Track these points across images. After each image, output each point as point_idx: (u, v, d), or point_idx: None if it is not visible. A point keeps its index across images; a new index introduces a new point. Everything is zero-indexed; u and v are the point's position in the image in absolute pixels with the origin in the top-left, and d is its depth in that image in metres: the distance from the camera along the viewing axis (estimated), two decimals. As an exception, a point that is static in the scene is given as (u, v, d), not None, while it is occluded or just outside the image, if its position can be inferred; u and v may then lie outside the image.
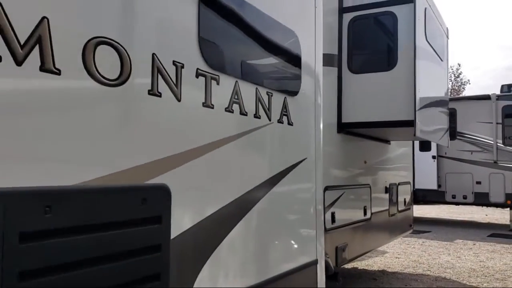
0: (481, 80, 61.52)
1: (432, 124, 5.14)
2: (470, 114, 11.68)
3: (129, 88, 1.44)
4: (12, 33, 1.12)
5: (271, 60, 2.31)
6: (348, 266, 6.54)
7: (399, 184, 6.51)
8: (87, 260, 1.25)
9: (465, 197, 11.95)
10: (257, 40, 2.18)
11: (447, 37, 5.95)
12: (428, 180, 12.32)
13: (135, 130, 1.48)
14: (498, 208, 13.44)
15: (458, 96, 27.04)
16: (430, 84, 4.91)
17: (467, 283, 6.37)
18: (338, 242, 4.44)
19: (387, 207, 6.03)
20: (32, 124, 1.17)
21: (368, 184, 5.37)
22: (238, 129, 1.97)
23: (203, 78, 1.77)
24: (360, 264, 7.47)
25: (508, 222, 12.02)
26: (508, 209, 11.81)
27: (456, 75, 34.92)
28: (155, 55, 1.55)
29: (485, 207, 13.05)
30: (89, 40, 1.32)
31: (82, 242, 1.25)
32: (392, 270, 7.18)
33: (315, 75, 2.73)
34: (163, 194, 1.55)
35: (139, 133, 1.49)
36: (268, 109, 2.19)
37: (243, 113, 2.00)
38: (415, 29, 4.32)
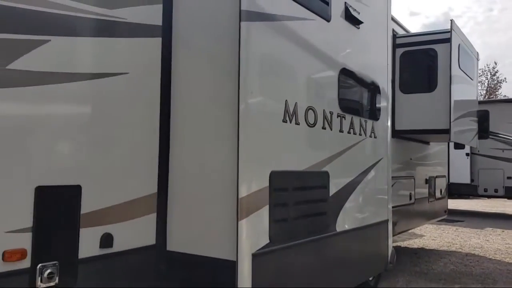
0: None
1: (463, 130, 6.71)
2: (502, 115, 12.97)
3: (318, 128, 3.20)
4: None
5: (367, 102, 4.03)
6: (393, 244, 8.17)
7: (436, 177, 8.10)
8: (306, 211, 3.03)
9: (496, 191, 13.28)
10: (360, 92, 3.91)
11: (477, 59, 7.48)
12: (462, 175, 13.70)
13: (320, 144, 3.25)
14: (528, 202, 14.64)
15: (491, 99, 27.85)
16: (462, 100, 6.48)
17: (492, 258, 7.89)
18: (392, 219, 6.12)
19: (427, 195, 7.63)
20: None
21: (413, 176, 7.00)
22: (354, 141, 3.71)
23: (339, 117, 3.52)
24: (402, 243, 9.08)
25: (536, 214, 13.26)
26: (537, 202, 13.08)
27: (492, 74, 35.42)
28: (325, 109, 3.30)
29: (516, 200, 14.31)
30: (308, 107, 3.08)
31: (304, 200, 3.02)
32: (429, 248, 8.76)
33: (387, 105, 4.43)
34: (327, 175, 3.31)
35: (320, 145, 3.26)
36: (365, 130, 3.93)
37: (355, 133, 3.74)
38: (451, 61, 5.92)
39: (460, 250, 8.60)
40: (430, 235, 10.19)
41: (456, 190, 13.98)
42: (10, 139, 2.12)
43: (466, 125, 6.86)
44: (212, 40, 2.74)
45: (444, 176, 8.68)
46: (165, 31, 2.87)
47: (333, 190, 3.39)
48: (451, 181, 13.07)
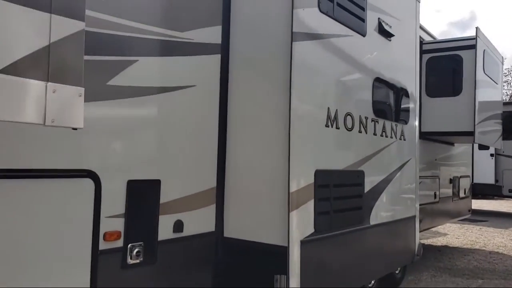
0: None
1: (487, 131, 7.00)
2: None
3: (355, 131, 3.62)
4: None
5: (397, 108, 4.42)
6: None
7: (460, 177, 8.39)
8: (344, 205, 3.46)
9: (521, 192, 13.38)
10: (392, 98, 4.31)
11: (502, 63, 7.74)
12: (486, 176, 13.83)
13: (356, 146, 3.67)
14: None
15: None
16: (486, 104, 6.78)
17: (516, 256, 8.14)
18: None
19: (451, 194, 7.94)
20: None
21: (438, 176, 7.33)
22: (385, 143, 4.12)
23: (373, 122, 3.93)
24: (426, 241, 9.38)
25: (561, 215, 13.31)
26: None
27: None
28: (361, 115, 3.72)
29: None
30: (346, 113, 3.51)
31: (343, 196, 3.45)
32: (453, 246, 9.06)
33: (415, 110, 4.81)
34: (362, 174, 3.73)
35: (357, 147, 3.68)
36: (395, 133, 4.32)
37: (386, 135, 4.14)
38: (476, 67, 6.23)
39: (483, 248, 8.86)
40: (454, 234, 10.44)
41: (480, 191, 14.12)
42: (109, 140, 2.61)
43: (490, 127, 7.15)
44: (266, 57, 3.19)
45: (468, 176, 8.95)
46: (224, 49, 3.34)
47: (367, 187, 3.81)
48: (475, 181, 13.22)
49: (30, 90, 1.60)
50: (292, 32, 2.98)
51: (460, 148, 8.56)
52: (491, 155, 13.70)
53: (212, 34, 3.25)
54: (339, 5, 3.42)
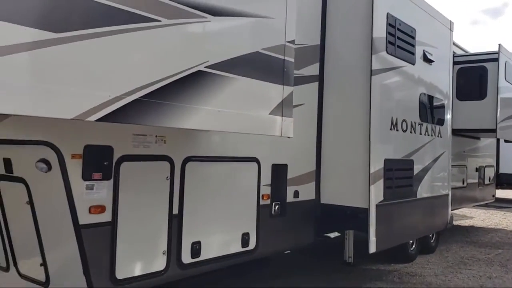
0: None
1: (508, 128, 8.57)
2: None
3: (408, 132, 5.33)
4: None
5: (436, 113, 6.10)
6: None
7: (485, 166, 9.97)
8: (401, 183, 5.20)
9: (545, 181, 14.74)
10: (432, 107, 5.99)
11: (523, 70, 9.27)
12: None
13: (408, 142, 5.38)
14: None
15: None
16: (508, 106, 8.35)
17: (534, 234, 9.70)
18: (448, 197, 8.12)
19: (477, 181, 9.54)
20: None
21: (465, 165, 8.95)
22: (427, 140, 5.84)
23: (419, 125, 5.63)
24: (455, 222, 11.00)
25: None
26: None
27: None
28: (411, 121, 5.42)
29: None
30: (402, 120, 5.23)
31: (400, 177, 5.18)
32: (478, 226, 10.67)
33: (449, 114, 6.47)
34: (412, 162, 5.45)
35: (409, 143, 5.39)
36: (434, 132, 6.01)
37: (428, 134, 5.84)
38: (498, 76, 7.81)
39: (505, 228, 10.44)
40: (479, 217, 12.02)
41: (506, 180, 15.53)
42: (261, 139, 4.40)
43: (511, 124, 8.74)
44: (352, 84, 4.92)
45: (492, 166, 10.53)
46: (320, 78, 5.08)
47: (415, 171, 5.52)
48: (501, 171, 14.64)
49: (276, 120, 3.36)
50: (371, 70, 4.70)
51: (485, 142, 10.13)
52: (516, 147, 15.08)
53: (313, 69, 4.99)
54: (399, 47, 5.12)
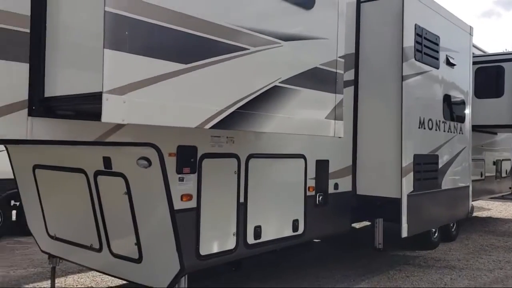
0: None
1: (525, 124, 9.17)
2: None
3: (433, 130, 6.01)
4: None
5: (457, 112, 6.75)
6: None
7: (502, 160, 10.59)
8: (428, 175, 5.89)
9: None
10: (454, 106, 6.65)
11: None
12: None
13: (434, 139, 6.06)
14: None
15: None
16: (524, 102, 8.96)
17: (549, 224, 10.30)
18: (468, 188, 8.77)
19: (494, 174, 10.17)
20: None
21: (483, 159, 9.58)
22: (450, 136, 6.52)
23: (443, 123, 6.30)
24: (474, 214, 11.61)
25: None
26: None
27: None
28: (436, 119, 6.09)
29: None
30: (429, 119, 5.91)
31: (427, 170, 5.87)
32: (496, 217, 11.29)
33: (469, 112, 7.12)
34: (437, 156, 6.13)
35: (434, 140, 6.06)
36: (456, 129, 6.68)
37: (451, 131, 6.51)
38: (515, 75, 8.43)
39: (521, 219, 11.04)
40: (497, 209, 12.62)
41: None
42: (307, 138, 5.11)
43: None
44: (385, 89, 5.61)
45: (509, 160, 11.15)
46: (355, 82, 5.76)
47: (440, 165, 6.20)
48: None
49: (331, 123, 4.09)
50: (402, 75, 5.38)
51: (502, 136, 10.74)
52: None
53: (349, 75, 5.68)
54: (425, 53, 5.80)
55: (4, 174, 7.53)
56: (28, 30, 2.82)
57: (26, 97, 2.84)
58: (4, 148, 7.42)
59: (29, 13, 2.82)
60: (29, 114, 2.85)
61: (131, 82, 2.46)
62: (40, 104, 2.87)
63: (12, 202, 8.39)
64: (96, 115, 2.38)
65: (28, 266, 6.34)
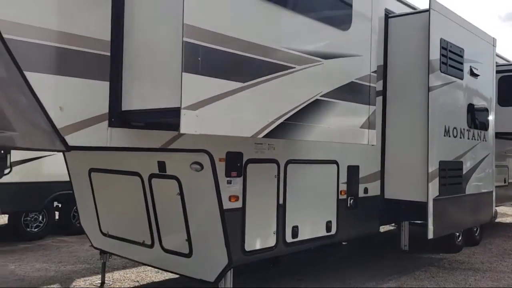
0: None
1: (548, 131, 9.38)
2: None
3: (458, 138, 6.35)
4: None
5: (481, 120, 7.07)
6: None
7: (526, 166, 10.78)
8: (453, 181, 6.23)
9: None
10: (478, 114, 6.97)
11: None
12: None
13: (458, 146, 6.40)
14: None
15: None
16: (547, 110, 9.19)
17: None
18: (491, 194, 9.03)
19: (517, 180, 10.37)
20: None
21: (507, 165, 9.82)
22: (474, 144, 6.85)
23: (467, 131, 6.63)
24: (497, 220, 11.80)
25: None
26: None
27: None
28: (461, 127, 6.43)
29: None
30: (453, 127, 6.26)
31: (452, 175, 6.21)
32: (519, 223, 11.46)
33: (493, 120, 7.42)
34: (461, 163, 6.46)
35: (458, 147, 6.41)
36: (480, 137, 7.00)
37: (475, 139, 6.83)
38: (537, 84, 8.67)
39: (545, 225, 11.18)
40: (520, 215, 12.76)
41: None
42: (339, 145, 5.52)
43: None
44: (412, 99, 5.98)
45: (532, 166, 11.29)
46: (384, 92, 6.16)
47: (464, 171, 6.52)
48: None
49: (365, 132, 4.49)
50: (428, 86, 5.75)
51: (526, 143, 10.92)
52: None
53: (379, 86, 6.07)
54: (450, 65, 6.16)
55: (50, 177, 8.19)
56: (108, 53, 3.33)
57: (107, 111, 3.34)
58: (50, 153, 8.05)
59: (109, 39, 3.33)
60: (109, 125, 3.35)
61: (201, 100, 2.94)
62: (118, 116, 3.36)
63: (55, 204, 9.02)
64: (173, 127, 2.86)
65: (76, 263, 6.88)
